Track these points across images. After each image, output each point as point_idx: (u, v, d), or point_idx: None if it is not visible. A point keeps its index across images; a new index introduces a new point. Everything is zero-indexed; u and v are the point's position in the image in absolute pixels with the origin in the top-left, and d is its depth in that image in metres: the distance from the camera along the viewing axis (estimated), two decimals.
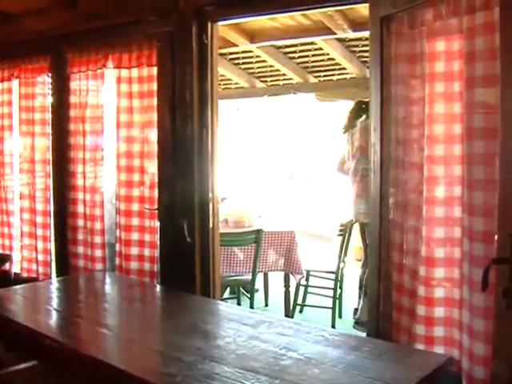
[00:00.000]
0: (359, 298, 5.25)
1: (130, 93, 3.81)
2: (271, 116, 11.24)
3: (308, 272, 5.43)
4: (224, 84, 7.82)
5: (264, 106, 9.76)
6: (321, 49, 6.39)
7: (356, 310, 5.28)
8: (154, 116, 3.69)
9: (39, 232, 4.49)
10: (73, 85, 4.11)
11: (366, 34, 3.10)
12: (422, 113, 2.61)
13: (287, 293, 5.25)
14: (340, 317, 5.43)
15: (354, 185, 5.10)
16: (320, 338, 2.42)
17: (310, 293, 5.59)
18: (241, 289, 5.35)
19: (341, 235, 5.29)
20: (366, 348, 2.31)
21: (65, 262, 4.27)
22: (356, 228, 5.45)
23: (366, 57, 5.92)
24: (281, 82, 7.63)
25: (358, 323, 5.12)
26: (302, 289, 5.49)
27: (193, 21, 3.44)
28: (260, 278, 5.54)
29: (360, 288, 5.22)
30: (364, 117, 4.81)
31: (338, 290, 5.34)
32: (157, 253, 3.79)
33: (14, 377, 2.81)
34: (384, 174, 2.81)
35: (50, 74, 4.26)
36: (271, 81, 7.68)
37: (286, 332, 2.51)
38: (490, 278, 2.05)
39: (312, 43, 6.31)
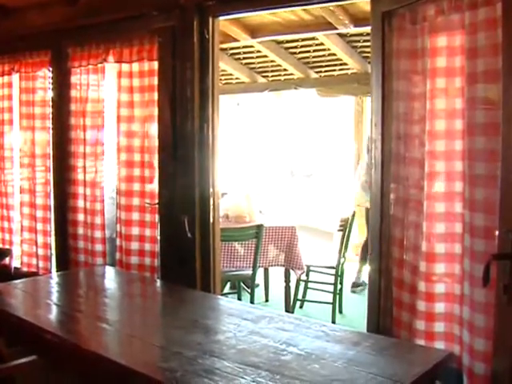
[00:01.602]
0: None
1: (130, 87, 3.80)
2: (272, 111, 11.23)
3: (308, 267, 5.43)
4: (225, 79, 7.81)
5: (265, 101, 9.76)
6: (322, 44, 6.38)
7: (353, 283, 5.98)
8: (155, 110, 3.69)
9: (39, 226, 4.49)
10: (73, 79, 4.11)
11: (368, 29, 3.10)
12: (423, 108, 2.60)
13: (287, 288, 5.26)
14: (340, 312, 5.44)
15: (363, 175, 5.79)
16: (320, 333, 2.42)
17: (311, 288, 5.59)
18: (241, 284, 5.35)
19: (341, 230, 5.29)
20: (366, 343, 2.31)
21: (65, 257, 4.27)
22: (357, 222, 5.67)
23: (368, 52, 5.92)
24: (282, 77, 7.62)
25: (353, 286, 5.93)
26: (302, 284, 5.49)
27: (194, 16, 3.44)
28: (260, 273, 5.54)
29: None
30: None
31: (339, 286, 5.33)
32: (157, 248, 3.79)
33: (15, 371, 2.82)
34: (385, 170, 2.80)
35: (50, 69, 4.26)
36: (272, 76, 7.67)
37: (287, 327, 2.51)
38: (490, 273, 2.06)
39: (313, 38, 6.30)
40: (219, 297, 3.47)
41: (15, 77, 4.52)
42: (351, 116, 8.21)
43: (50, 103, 4.31)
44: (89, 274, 3.74)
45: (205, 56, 3.48)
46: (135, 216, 3.87)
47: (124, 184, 3.91)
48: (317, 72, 7.32)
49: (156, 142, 3.70)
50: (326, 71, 7.27)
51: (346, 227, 5.28)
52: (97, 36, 3.89)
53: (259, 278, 5.43)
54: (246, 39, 5.90)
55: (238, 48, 6.90)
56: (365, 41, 6.05)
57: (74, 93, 4.12)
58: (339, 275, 5.30)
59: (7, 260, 4.63)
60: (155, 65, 3.66)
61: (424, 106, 2.59)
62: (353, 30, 5.39)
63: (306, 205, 10.62)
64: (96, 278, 3.62)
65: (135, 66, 3.77)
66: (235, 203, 5.48)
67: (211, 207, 3.53)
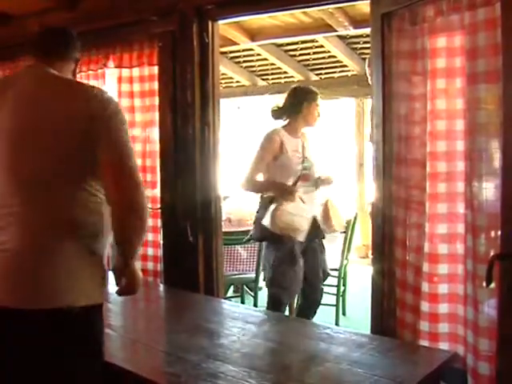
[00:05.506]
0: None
1: (131, 92, 3.80)
2: None
3: None
4: (225, 82, 7.83)
5: (265, 104, 9.75)
6: (322, 46, 6.40)
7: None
8: (156, 115, 3.68)
9: None
10: None
11: (367, 30, 3.10)
12: (424, 109, 2.60)
13: None
14: (344, 314, 5.42)
15: None
16: (324, 335, 2.43)
17: None
18: (244, 287, 5.34)
19: (344, 232, 5.28)
20: (370, 345, 2.31)
21: None
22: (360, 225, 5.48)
23: (368, 54, 5.92)
24: (282, 80, 7.64)
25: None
26: None
27: (193, 20, 3.44)
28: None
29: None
30: None
31: (342, 288, 5.32)
32: (160, 252, 3.78)
33: None
34: (387, 171, 2.80)
35: None
36: (272, 79, 7.69)
37: (291, 330, 2.51)
38: (493, 273, 2.06)
39: (313, 41, 6.32)
40: (222, 300, 3.47)
41: None
42: (352, 118, 8.21)
43: None
44: None
45: (205, 60, 3.49)
46: None
47: None
48: (317, 74, 7.34)
49: (157, 147, 3.70)
50: (326, 73, 7.29)
51: (348, 229, 5.27)
52: (96, 42, 3.88)
53: (262, 281, 5.42)
54: (245, 42, 5.92)
55: (238, 51, 6.92)
56: (365, 42, 6.07)
57: None
58: (342, 277, 5.29)
59: None
60: (155, 69, 3.66)
61: (425, 106, 2.59)
62: (352, 31, 5.40)
63: None
64: None
65: (135, 71, 3.77)
66: (237, 206, 5.47)
67: (213, 211, 3.53)
